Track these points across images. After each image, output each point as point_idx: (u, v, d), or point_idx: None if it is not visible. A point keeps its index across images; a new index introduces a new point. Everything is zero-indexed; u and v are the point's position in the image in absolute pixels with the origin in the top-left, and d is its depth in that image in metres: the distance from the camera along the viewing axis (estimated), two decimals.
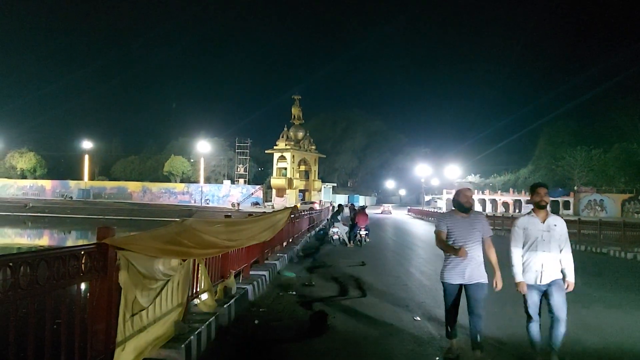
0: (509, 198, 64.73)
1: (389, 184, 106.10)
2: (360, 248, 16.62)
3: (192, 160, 70.16)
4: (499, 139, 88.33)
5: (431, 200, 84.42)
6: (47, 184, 66.50)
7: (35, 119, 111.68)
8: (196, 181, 66.05)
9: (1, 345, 2.61)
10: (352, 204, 22.24)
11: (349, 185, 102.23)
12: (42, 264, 2.92)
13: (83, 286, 3.44)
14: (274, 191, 62.79)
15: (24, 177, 70.12)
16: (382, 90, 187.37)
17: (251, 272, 8.54)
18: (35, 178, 69.75)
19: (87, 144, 69.21)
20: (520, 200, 63.32)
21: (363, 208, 18.92)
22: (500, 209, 62.64)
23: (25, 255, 2.82)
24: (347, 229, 18.03)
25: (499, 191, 68.96)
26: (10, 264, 2.67)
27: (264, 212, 10.03)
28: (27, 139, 75.34)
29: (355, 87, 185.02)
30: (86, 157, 67.85)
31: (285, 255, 12.22)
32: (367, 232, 17.86)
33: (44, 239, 30.70)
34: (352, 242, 17.45)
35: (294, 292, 8.40)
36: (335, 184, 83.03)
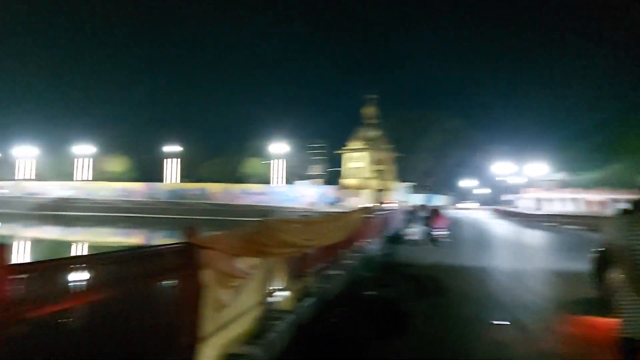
0: (597, 197, 60.50)
1: (467, 183, 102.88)
2: (437, 248, 16.26)
3: (268, 162, 71.90)
4: (588, 133, 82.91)
5: (512, 200, 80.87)
6: (138, 186, 70.75)
7: (127, 124, 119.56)
8: (272, 182, 67.59)
9: (100, 337, 2.81)
10: (428, 204, 21.81)
11: (425, 184, 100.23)
12: (135, 261, 3.13)
13: (170, 283, 3.62)
14: (348, 191, 62.91)
15: (116, 180, 75.10)
16: (460, 87, 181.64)
17: (328, 272, 8.61)
18: (127, 180, 74.49)
19: (173, 148, 73.00)
20: (611, 198, 59.06)
21: (439, 208, 18.51)
22: (587, 208, 58.78)
23: (121, 254, 3.03)
24: (424, 229, 17.70)
25: (586, 189, 64.63)
26: (108, 261, 2.88)
27: (339, 212, 10.03)
28: (120, 143, 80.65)
29: (432, 84, 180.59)
30: (172, 160, 71.60)
31: (362, 255, 12.20)
32: (444, 232, 17.45)
33: (134, 238, 32.71)
34: (429, 242, 17.11)
35: (371, 292, 8.37)
36: (411, 184, 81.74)
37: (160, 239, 31.34)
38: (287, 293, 5.91)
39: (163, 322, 3.47)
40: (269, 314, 5.27)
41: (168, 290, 3.61)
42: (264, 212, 45.45)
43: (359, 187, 61.45)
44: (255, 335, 4.59)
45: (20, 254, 20.03)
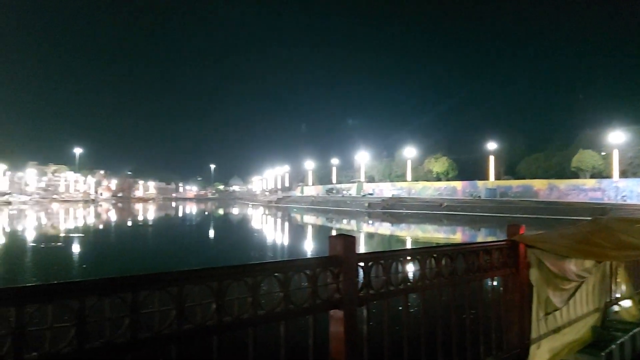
0: None
1: None
2: None
3: (603, 154, 63.45)
4: None
5: None
6: (458, 184, 72.54)
7: (447, 126, 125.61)
8: (609, 176, 59.35)
9: (429, 325, 3.07)
10: None
11: None
12: (460, 257, 3.29)
13: (497, 280, 3.66)
14: None
15: (438, 179, 78.78)
16: None
17: None
18: (447, 180, 77.31)
19: (491, 145, 72.21)
20: None
21: None
22: None
23: (446, 249, 3.23)
24: None
25: None
26: (435, 255, 3.12)
27: None
28: (440, 145, 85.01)
29: None
30: (491, 157, 70.83)
31: None
32: None
33: (457, 235, 33.65)
34: None
35: None
36: None
37: (482, 236, 31.40)
38: (629, 302, 5.17)
39: (492, 318, 3.54)
40: (608, 324, 4.71)
41: (495, 287, 3.66)
42: (598, 210, 40.45)
43: None
44: (591, 345, 4.19)
45: (362, 245, 23.06)
